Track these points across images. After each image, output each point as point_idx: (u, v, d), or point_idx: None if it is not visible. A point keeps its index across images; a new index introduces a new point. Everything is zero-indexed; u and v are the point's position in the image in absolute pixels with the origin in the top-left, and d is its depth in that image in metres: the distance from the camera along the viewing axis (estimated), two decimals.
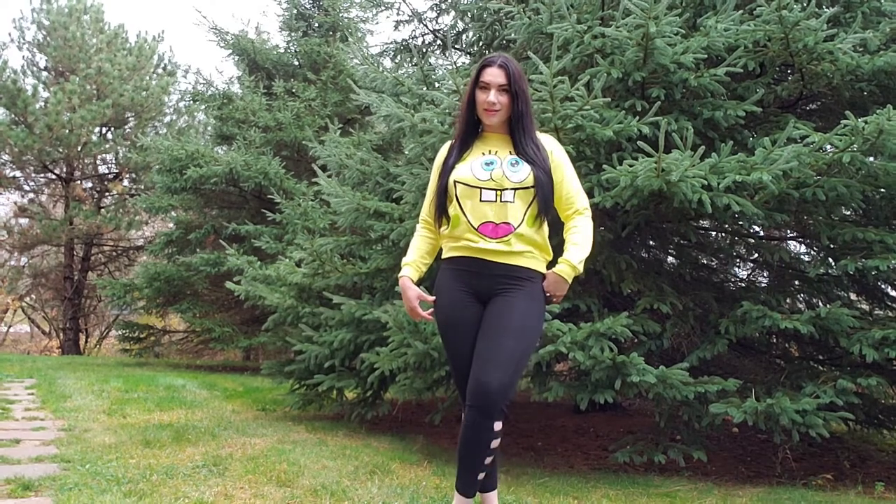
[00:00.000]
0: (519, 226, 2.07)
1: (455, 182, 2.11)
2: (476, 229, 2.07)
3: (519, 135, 2.12)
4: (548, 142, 2.19)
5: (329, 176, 4.57)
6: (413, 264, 2.23)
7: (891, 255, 3.09)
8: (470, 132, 2.18)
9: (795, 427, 2.98)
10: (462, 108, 2.19)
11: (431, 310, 2.22)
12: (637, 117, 3.25)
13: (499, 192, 2.06)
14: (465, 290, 2.11)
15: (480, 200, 2.06)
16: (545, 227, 2.14)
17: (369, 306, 3.91)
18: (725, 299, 3.58)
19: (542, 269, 2.14)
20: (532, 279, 2.10)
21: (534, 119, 2.21)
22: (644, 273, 3.59)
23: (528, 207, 2.07)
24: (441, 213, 2.16)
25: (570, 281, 2.12)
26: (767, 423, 3.02)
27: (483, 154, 2.14)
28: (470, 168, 2.10)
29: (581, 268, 2.10)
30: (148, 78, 14.07)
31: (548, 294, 2.14)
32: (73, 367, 8.25)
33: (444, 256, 2.18)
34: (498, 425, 2.03)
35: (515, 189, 2.05)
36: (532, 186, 2.07)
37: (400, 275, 2.23)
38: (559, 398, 3.25)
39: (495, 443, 2.05)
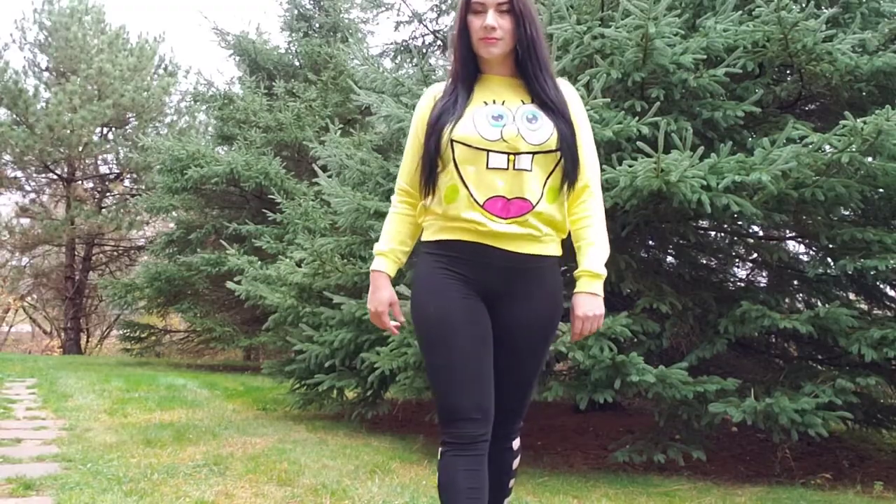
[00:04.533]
0: (538, 202, 1.56)
1: (453, 142, 1.57)
2: (481, 206, 1.55)
3: (533, 71, 1.60)
4: (566, 88, 1.67)
5: (329, 176, 4.58)
6: (390, 254, 1.68)
7: (889, 254, 3.10)
8: (468, 73, 1.63)
9: (794, 426, 2.99)
10: (454, 42, 1.67)
11: (398, 322, 1.75)
12: (636, 118, 3.26)
13: (512, 158, 1.55)
14: (461, 279, 1.59)
15: (488, 167, 1.55)
16: (565, 202, 1.64)
17: None
18: (725, 299, 3.59)
19: (559, 251, 1.67)
20: (553, 268, 1.66)
21: (549, 56, 1.68)
22: (643, 273, 3.60)
23: (548, 177, 1.58)
24: (430, 181, 1.61)
25: (601, 294, 1.62)
26: (766, 423, 3.03)
27: (487, 104, 1.60)
28: (473, 123, 1.57)
29: (605, 272, 1.63)
30: (149, 78, 14.09)
31: (577, 332, 1.63)
32: (74, 367, 8.26)
33: (426, 239, 1.64)
34: (517, 442, 1.73)
35: (534, 153, 1.55)
36: (556, 150, 1.56)
37: (373, 267, 1.67)
38: (559, 398, 3.26)
39: (517, 461, 1.76)
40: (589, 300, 1.61)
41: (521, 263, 1.60)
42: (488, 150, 1.55)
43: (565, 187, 1.61)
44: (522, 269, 1.60)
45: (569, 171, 1.59)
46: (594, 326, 1.63)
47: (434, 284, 1.60)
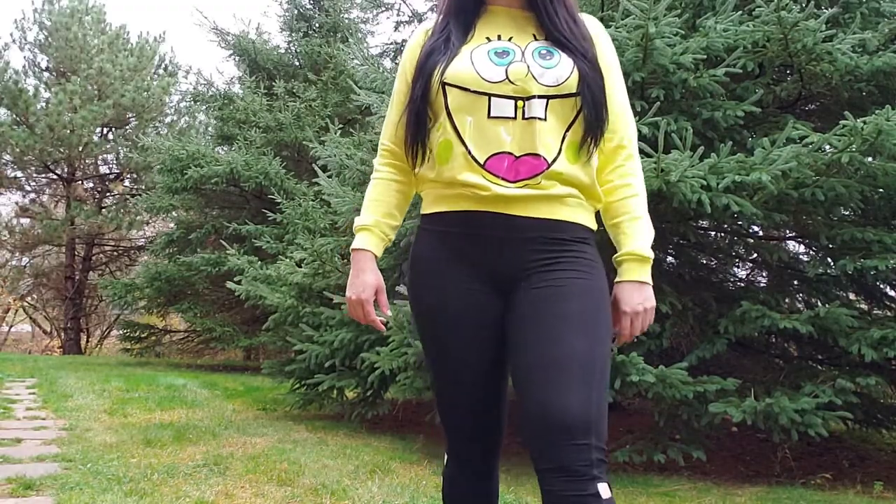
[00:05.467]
0: (555, 160, 1.23)
1: (445, 85, 1.25)
2: (482, 165, 1.22)
3: (546, 3, 1.28)
4: (591, 24, 1.35)
5: (329, 176, 4.58)
6: (374, 228, 1.34)
7: (889, 254, 3.10)
8: (465, 2, 1.32)
9: (794, 426, 2.99)
10: None
11: (385, 317, 1.45)
12: (637, 117, 3.26)
13: (521, 104, 1.22)
14: (469, 269, 1.27)
15: (489, 116, 1.22)
16: (594, 162, 1.29)
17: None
18: (724, 299, 3.59)
19: (593, 223, 1.31)
20: (583, 240, 1.27)
21: None
22: None
23: (567, 129, 1.24)
24: (418, 139, 1.29)
25: (650, 283, 1.28)
26: (766, 423, 3.03)
27: (489, 40, 1.29)
28: (470, 60, 1.25)
29: (652, 255, 1.29)
30: (149, 78, 14.09)
31: (619, 330, 1.28)
32: (74, 367, 8.26)
33: (425, 211, 1.33)
34: (605, 489, 1.11)
35: (548, 97, 1.22)
36: (576, 93, 1.23)
37: (355, 245, 1.34)
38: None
39: None
40: (637, 290, 1.26)
41: (539, 231, 1.23)
42: (490, 95, 1.22)
43: (591, 145, 1.25)
44: (542, 239, 1.23)
45: (593, 123, 1.24)
46: (646, 323, 1.27)
47: (432, 273, 1.29)
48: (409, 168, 1.36)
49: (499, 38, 1.30)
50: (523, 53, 1.26)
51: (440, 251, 1.29)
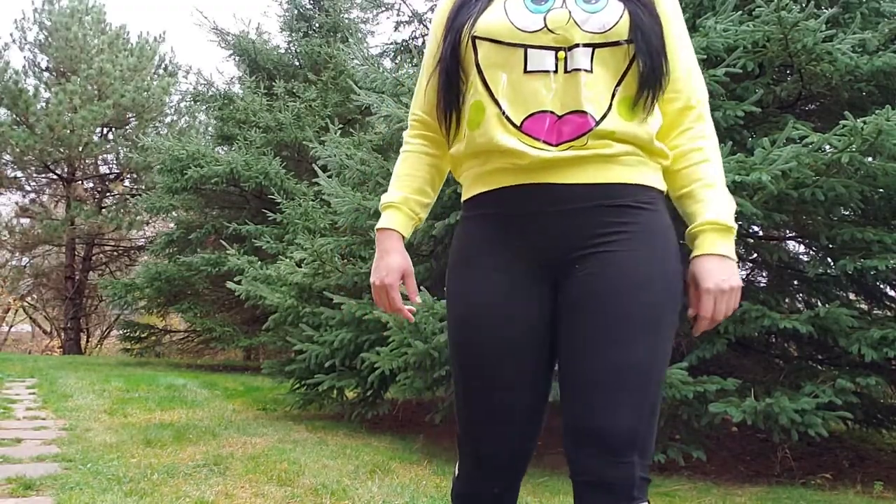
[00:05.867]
0: (604, 117, 1.06)
1: (475, 39, 1.11)
2: (518, 127, 1.07)
3: None
4: None
5: (329, 176, 4.58)
6: (403, 206, 1.20)
7: (889, 254, 3.10)
8: None
9: (794, 426, 2.99)
10: None
11: (414, 305, 1.33)
12: None
13: (562, 55, 1.06)
14: (509, 254, 1.10)
15: (526, 71, 1.07)
16: (655, 119, 1.10)
17: (370, 306, 3.91)
18: None
19: (661, 182, 1.12)
20: (649, 205, 1.09)
21: None
22: None
23: (619, 83, 1.07)
24: (450, 103, 1.14)
25: (734, 258, 1.08)
26: (766, 423, 3.03)
27: None
28: (504, 10, 1.10)
29: (735, 225, 1.10)
30: (149, 78, 14.10)
31: (699, 314, 1.07)
32: (74, 367, 8.26)
33: (463, 198, 1.19)
34: None
35: (594, 45, 1.06)
36: (628, 41, 1.07)
37: (380, 224, 1.20)
38: (559, 398, 3.25)
39: None
40: (720, 265, 1.05)
41: (592, 200, 1.06)
42: (526, 46, 1.07)
43: (648, 100, 1.07)
44: (596, 210, 1.06)
45: (649, 75, 1.06)
46: (731, 305, 1.06)
47: (463, 262, 1.14)
48: (442, 140, 1.20)
49: None
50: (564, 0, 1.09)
51: (476, 238, 1.13)
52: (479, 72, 1.11)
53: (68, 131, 12.75)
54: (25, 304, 16.17)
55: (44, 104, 13.17)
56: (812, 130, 3.18)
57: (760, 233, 4.06)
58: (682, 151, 1.13)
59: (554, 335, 1.10)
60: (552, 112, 1.07)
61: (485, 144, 1.10)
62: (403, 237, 1.20)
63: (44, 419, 4.29)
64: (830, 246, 3.46)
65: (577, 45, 1.06)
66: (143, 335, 10.20)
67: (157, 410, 4.74)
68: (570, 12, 1.08)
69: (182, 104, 14.44)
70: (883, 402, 3.75)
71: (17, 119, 12.96)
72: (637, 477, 1.02)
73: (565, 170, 1.06)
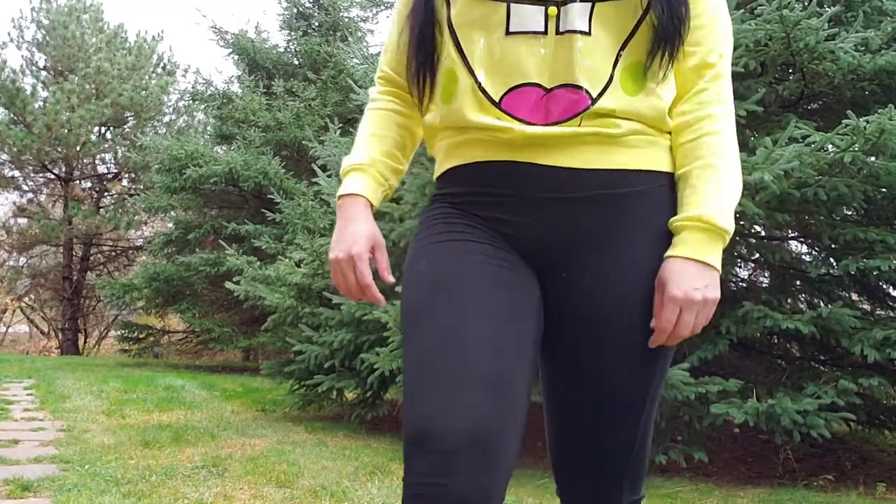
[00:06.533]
0: (603, 93, 0.87)
1: None
2: (497, 104, 0.89)
3: None
4: None
5: (329, 176, 4.56)
6: (370, 168, 0.99)
7: (892, 255, 3.09)
8: None
9: (797, 427, 2.97)
10: None
11: (388, 281, 0.99)
12: None
13: (553, 11, 0.87)
14: (489, 235, 0.91)
15: (508, 33, 0.88)
16: (669, 89, 0.92)
17: (369, 306, 3.89)
18: (726, 299, 3.57)
19: (667, 163, 0.92)
20: (658, 194, 0.91)
21: None
22: None
23: (624, 44, 0.88)
24: (423, 63, 0.94)
25: (717, 267, 0.89)
26: (769, 424, 3.01)
27: None
28: None
29: (732, 226, 0.89)
30: (147, 77, 14.07)
31: (658, 325, 0.88)
32: (71, 368, 8.24)
33: (437, 174, 0.99)
34: None
35: (594, 0, 0.87)
36: None
37: (342, 190, 0.98)
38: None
39: None
40: (695, 272, 0.87)
41: (588, 189, 0.88)
42: (509, 1, 0.87)
43: (663, 60, 0.87)
44: (593, 200, 0.88)
45: (667, 27, 0.86)
46: (700, 321, 0.88)
47: (439, 236, 0.92)
48: (414, 104, 1.00)
49: None
50: None
51: (451, 220, 0.93)
52: (452, 31, 0.91)
53: (66, 130, 12.72)
54: (23, 304, 16.14)
55: (41, 103, 13.14)
56: (814, 130, 3.17)
57: (762, 233, 4.04)
58: (688, 120, 0.91)
59: (538, 329, 0.91)
60: (539, 85, 0.87)
61: (459, 121, 0.92)
62: (372, 205, 0.98)
63: (41, 420, 4.27)
64: (833, 246, 3.45)
65: (572, 0, 0.87)
66: (141, 336, 10.18)
67: (155, 411, 4.72)
68: None
69: (180, 103, 14.43)
70: (886, 403, 3.74)
71: (15, 118, 12.93)
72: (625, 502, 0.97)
73: (558, 150, 0.87)
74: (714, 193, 0.88)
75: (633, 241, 0.89)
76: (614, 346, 0.90)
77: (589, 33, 0.87)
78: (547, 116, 0.88)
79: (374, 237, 0.96)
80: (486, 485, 0.79)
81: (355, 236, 0.94)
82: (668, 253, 0.89)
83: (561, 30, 0.87)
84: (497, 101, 0.89)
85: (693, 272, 0.88)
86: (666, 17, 0.87)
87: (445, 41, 0.93)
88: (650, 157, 0.91)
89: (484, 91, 0.90)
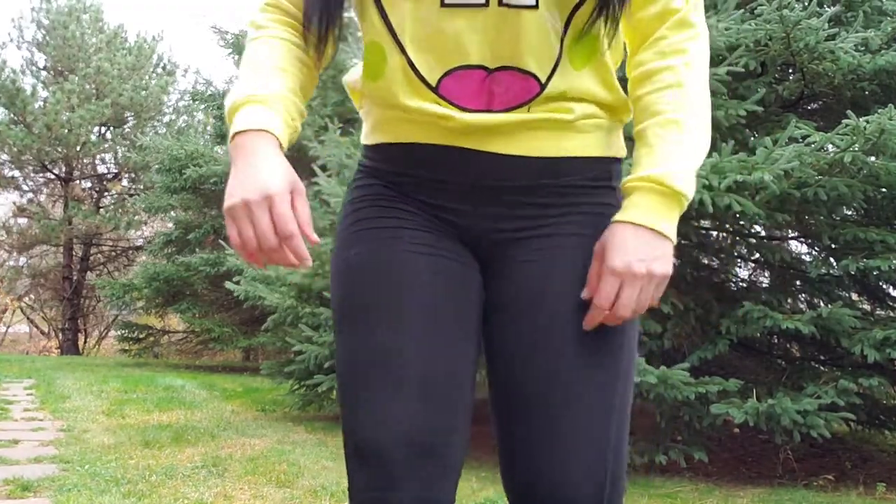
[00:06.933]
0: (553, 72, 0.78)
1: None
2: (434, 89, 0.79)
3: None
4: None
5: (329, 176, 4.56)
6: (276, 102, 0.79)
7: (892, 254, 3.09)
8: None
9: (796, 427, 2.98)
10: None
11: (312, 239, 0.77)
12: None
13: None
14: (435, 222, 0.82)
15: (443, 5, 0.76)
16: (615, 51, 0.84)
17: None
18: (726, 299, 3.58)
19: (620, 148, 0.87)
20: (607, 183, 0.84)
21: None
22: None
23: (570, 17, 0.77)
24: (325, 15, 0.81)
25: (671, 237, 0.77)
26: (768, 424, 3.01)
27: None
28: None
29: (691, 190, 0.78)
30: (147, 77, 14.08)
31: (603, 304, 0.77)
32: (71, 368, 8.24)
33: (365, 141, 0.89)
34: None
35: None
36: None
37: (242, 126, 0.77)
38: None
39: None
40: (643, 240, 0.77)
41: (533, 178, 0.80)
42: None
43: (607, 24, 0.77)
44: (538, 189, 0.80)
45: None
46: (644, 299, 0.77)
47: (370, 221, 0.83)
48: (311, 52, 0.83)
49: None
50: None
51: (383, 201, 0.83)
52: (377, 2, 0.77)
53: (66, 130, 12.72)
54: (23, 304, 16.14)
55: (41, 103, 13.14)
56: (814, 130, 3.17)
57: (763, 233, 4.05)
58: (645, 72, 0.80)
59: (479, 321, 0.82)
60: (481, 66, 0.77)
61: (389, 101, 0.80)
62: (281, 144, 0.78)
63: (41, 420, 4.27)
64: (833, 246, 3.45)
65: None
66: (141, 336, 10.18)
67: (155, 411, 4.71)
68: None
69: (180, 103, 14.43)
70: (886, 403, 3.74)
71: (15, 118, 12.93)
72: None
73: (502, 137, 0.78)
74: (671, 152, 0.77)
75: (577, 228, 0.81)
76: (565, 339, 0.78)
77: (536, 6, 0.75)
78: (490, 102, 0.78)
79: (294, 180, 0.76)
80: (432, 494, 0.74)
81: (271, 172, 0.73)
82: (615, 217, 0.79)
83: (504, 1, 0.75)
84: (434, 85, 0.78)
85: (639, 240, 0.77)
86: None
87: (366, 6, 0.79)
88: (600, 142, 0.83)
89: (418, 73, 0.78)
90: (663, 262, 0.77)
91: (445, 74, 0.78)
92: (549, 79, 0.78)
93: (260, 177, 0.73)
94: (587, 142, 0.82)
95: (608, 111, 0.83)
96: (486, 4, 0.75)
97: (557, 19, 0.77)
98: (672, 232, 0.78)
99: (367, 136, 0.88)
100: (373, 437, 0.74)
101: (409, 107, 0.79)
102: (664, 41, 0.80)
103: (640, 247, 0.77)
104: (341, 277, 0.83)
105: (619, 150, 0.87)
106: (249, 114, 0.77)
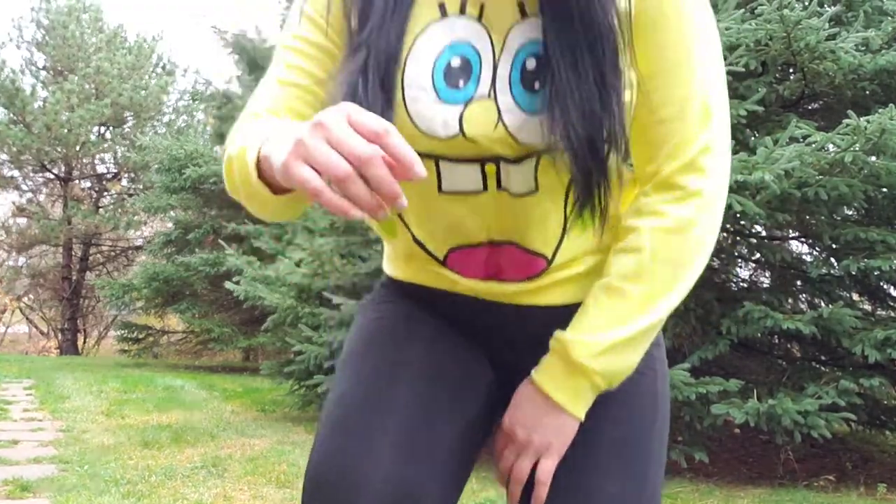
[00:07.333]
0: (558, 248, 0.76)
1: None
2: (442, 262, 0.79)
3: None
4: None
5: None
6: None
7: (893, 255, 3.09)
8: None
9: (797, 428, 2.97)
10: None
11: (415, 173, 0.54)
12: None
13: (491, 168, 0.71)
14: (449, 322, 0.82)
15: (441, 191, 0.73)
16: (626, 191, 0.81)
17: None
18: (727, 299, 3.57)
19: None
20: None
21: None
22: None
23: (566, 197, 0.75)
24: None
25: (570, 410, 0.72)
26: (769, 424, 3.01)
27: (444, 12, 0.71)
28: (402, 90, 0.69)
29: (607, 365, 0.72)
30: (147, 77, 14.07)
31: (502, 467, 0.77)
32: (71, 368, 8.23)
33: (386, 269, 0.89)
34: None
35: (539, 155, 0.70)
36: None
37: (269, 148, 0.60)
38: None
39: None
40: (537, 406, 0.73)
41: (554, 321, 0.75)
42: (437, 157, 0.71)
43: (596, 213, 0.72)
44: (544, 333, 0.76)
45: (583, 187, 0.70)
46: (522, 468, 0.75)
47: (388, 308, 0.84)
48: None
49: (462, 5, 0.70)
50: (495, 65, 0.69)
51: (407, 301, 0.84)
52: None
53: (65, 130, 12.71)
54: (22, 304, 16.13)
55: (41, 103, 13.14)
56: (815, 129, 3.17)
57: (763, 233, 4.04)
58: (620, 227, 0.76)
59: (479, 383, 0.81)
60: (487, 242, 0.76)
61: (406, 252, 0.81)
62: None
63: (40, 420, 4.26)
64: (834, 246, 3.45)
65: (509, 160, 0.70)
66: (140, 336, 10.17)
67: (154, 412, 4.71)
68: (498, 111, 0.68)
69: (180, 103, 14.42)
70: (886, 403, 3.74)
71: (14, 118, 12.92)
72: None
73: (517, 296, 0.78)
74: (597, 319, 0.72)
75: None
76: (583, 455, 0.75)
77: (536, 190, 0.72)
78: (499, 273, 0.77)
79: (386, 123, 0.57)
80: None
81: (360, 110, 0.54)
82: (529, 375, 0.76)
83: (503, 185, 0.72)
84: (441, 259, 0.78)
85: (531, 403, 0.73)
86: (579, 169, 0.68)
87: None
88: None
89: (426, 249, 0.78)
90: (548, 434, 0.72)
91: (451, 251, 0.77)
92: (555, 254, 0.76)
93: (362, 112, 0.54)
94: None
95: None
96: (485, 189, 0.72)
97: (559, 193, 0.73)
98: (573, 405, 0.72)
99: (387, 263, 0.88)
100: (344, 478, 0.69)
101: (423, 266, 0.80)
102: (644, 199, 0.75)
103: (528, 410, 0.74)
104: (353, 336, 0.84)
105: None
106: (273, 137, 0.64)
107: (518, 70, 0.69)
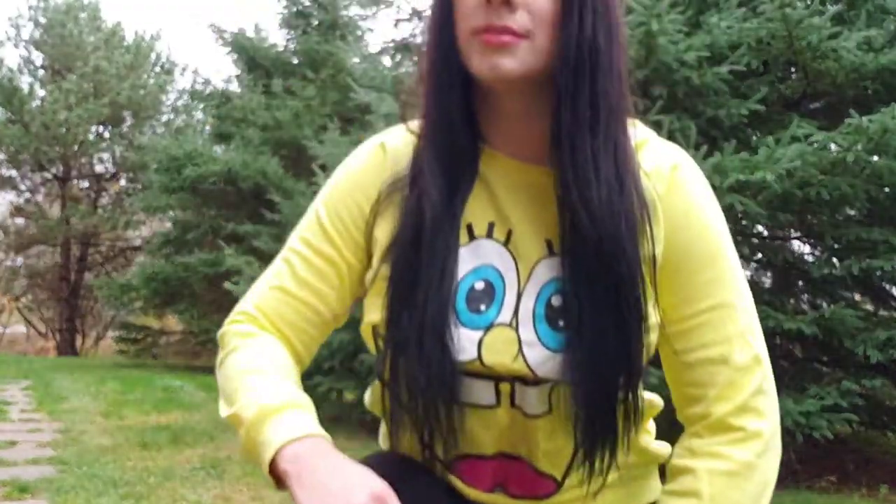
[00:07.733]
0: (568, 471, 0.75)
1: (375, 329, 0.79)
2: (447, 467, 0.77)
3: (577, 149, 0.67)
4: (661, 173, 0.74)
5: (328, 175, 4.54)
6: (308, 405, 0.74)
7: (895, 255, 3.08)
8: (452, 137, 0.71)
9: (799, 429, 2.96)
10: (429, 46, 0.73)
11: None
12: (639, 116, 3.23)
13: (505, 387, 0.72)
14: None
15: (456, 401, 0.73)
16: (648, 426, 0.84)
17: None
18: None
19: (654, 492, 0.82)
20: None
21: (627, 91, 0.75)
22: None
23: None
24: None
25: None
26: None
27: (472, 235, 0.73)
28: None
29: None
30: (145, 76, 14.04)
31: None
32: (69, 369, 8.21)
33: (381, 443, 0.92)
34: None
35: (554, 383, 0.70)
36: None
37: (291, 433, 0.68)
38: None
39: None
40: None
41: None
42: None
43: (605, 458, 0.71)
44: None
45: (587, 434, 0.70)
46: None
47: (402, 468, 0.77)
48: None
49: (490, 229, 0.72)
50: (519, 294, 0.70)
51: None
52: (394, 372, 0.74)
53: (63, 130, 12.68)
54: (20, 304, 16.10)
55: (39, 102, 13.11)
56: (817, 129, 3.16)
57: (765, 232, 4.03)
58: (671, 466, 0.74)
59: None
60: (498, 454, 0.75)
61: (409, 448, 0.78)
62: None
63: (38, 421, 4.25)
64: (836, 246, 3.44)
65: (527, 382, 0.71)
66: (139, 336, 10.15)
67: (153, 413, 4.69)
68: (519, 342, 0.69)
69: (179, 102, 14.39)
70: (889, 404, 3.73)
71: (12, 117, 12.89)
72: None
73: None
74: None
75: None
76: None
77: (550, 412, 0.72)
78: (506, 486, 0.76)
79: (382, 488, 0.63)
80: None
81: (364, 481, 0.63)
82: None
83: (516, 403, 0.72)
84: (447, 463, 0.77)
85: None
86: (584, 422, 0.69)
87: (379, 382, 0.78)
88: (630, 492, 0.80)
89: (433, 453, 0.75)
90: None
91: (459, 459, 0.76)
92: (565, 476, 0.75)
93: (366, 482, 0.63)
94: (615, 496, 0.78)
95: (633, 465, 0.78)
96: (498, 404, 0.73)
97: (571, 424, 0.71)
98: None
99: (384, 442, 0.87)
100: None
101: (427, 464, 0.78)
102: (696, 440, 0.72)
103: None
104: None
105: (652, 492, 0.82)
106: (291, 421, 0.69)
107: (543, 305, 0.70)
